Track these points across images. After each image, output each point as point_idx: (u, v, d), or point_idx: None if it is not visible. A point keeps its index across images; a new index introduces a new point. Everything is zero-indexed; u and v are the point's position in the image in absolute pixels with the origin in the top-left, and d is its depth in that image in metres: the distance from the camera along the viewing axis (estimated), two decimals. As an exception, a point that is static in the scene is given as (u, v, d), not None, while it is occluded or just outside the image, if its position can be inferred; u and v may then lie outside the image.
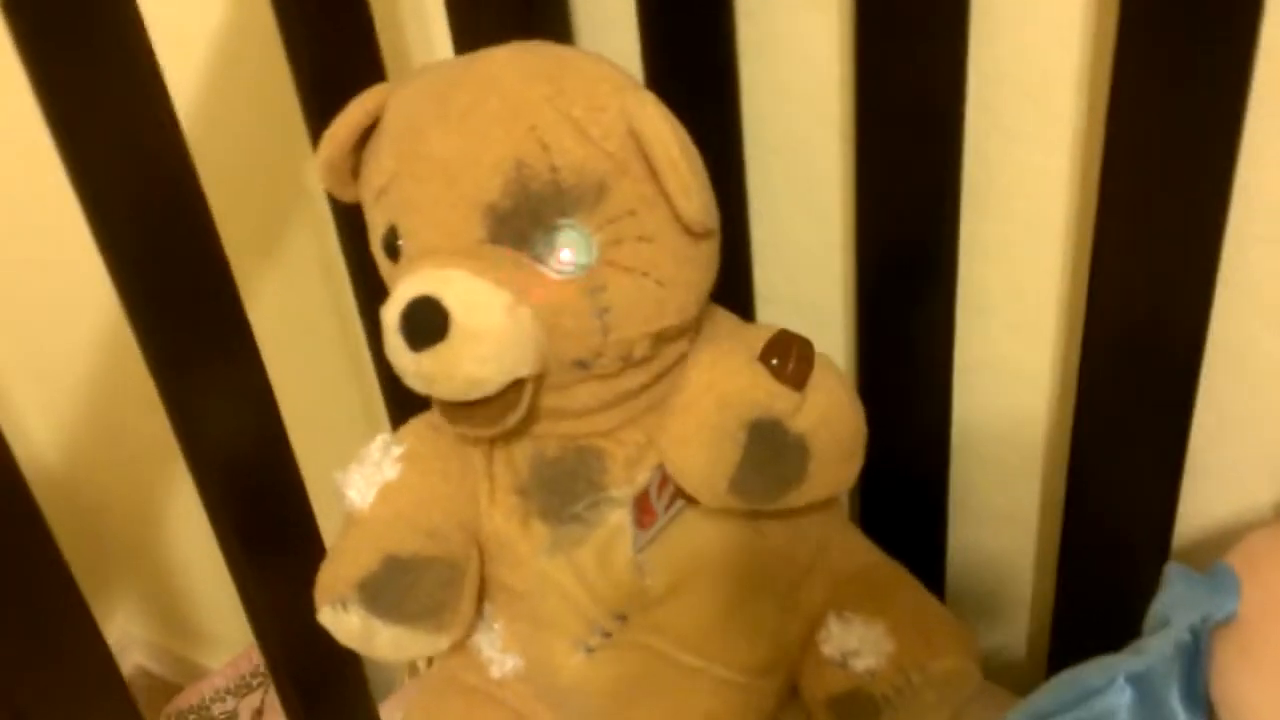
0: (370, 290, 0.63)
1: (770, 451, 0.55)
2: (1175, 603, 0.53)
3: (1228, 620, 0.52)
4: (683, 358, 0.60)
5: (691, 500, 0.60)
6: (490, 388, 0.54)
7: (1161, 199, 0.56)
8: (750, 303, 0.73)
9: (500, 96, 0.53)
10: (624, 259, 0.54)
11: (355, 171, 0.59)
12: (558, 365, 0.56)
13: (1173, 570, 0.55)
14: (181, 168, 0.60)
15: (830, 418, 0.57)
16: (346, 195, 0.60)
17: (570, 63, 0.55)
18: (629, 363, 0.57)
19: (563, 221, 0.53)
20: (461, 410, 0.55)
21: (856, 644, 0.63)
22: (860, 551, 0.68)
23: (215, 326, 0.63)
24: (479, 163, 0.53)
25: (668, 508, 0.61)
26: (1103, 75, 0.56)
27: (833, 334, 0.71)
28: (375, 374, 0.72)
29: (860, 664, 0.63)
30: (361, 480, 0.61)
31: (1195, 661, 0.53)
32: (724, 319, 0.64)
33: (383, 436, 0.63)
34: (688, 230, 0.55)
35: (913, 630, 0.64)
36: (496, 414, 0.55)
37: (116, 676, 0.58)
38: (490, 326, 0.52)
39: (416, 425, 0.64)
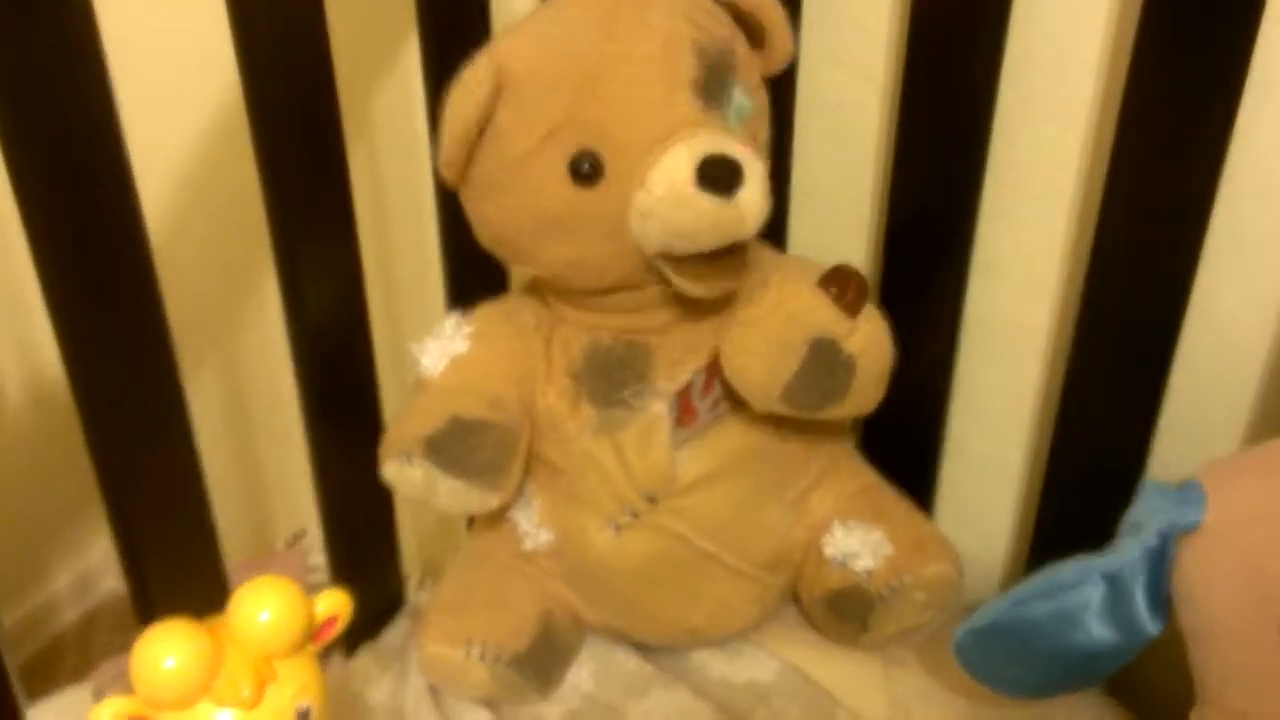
0: (447, 194, 0.69)
1: (824, 367, 0.63)
2: (1148, 511, 0.61)
3: (1193, 529, 0.59)
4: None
5: (736, 405, 0.67)
6: (764, 222, 0.61)
7: (1161, 176, 0.64)
8: (784, 247, 0.80)
9: (653, 3, 0.62)
10: (755, 108, 0.65)
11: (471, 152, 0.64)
12: None
13: (1147, 484, 0.62)
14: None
15: (875, 345, 0.65)
16: (461, 176, 0.65)
17: None
18: None
19: (732, 80, 0.63)
20: (715, 263, 0.62)
21: (857, 547, 0.71)
22: (864, 473, 0.76)
23: (324, 204, 0.69)
24: (675, 49, 0.61)
25: (711, 409, 0.68)
26: (1121, 61, 0.64)
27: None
28: (441, 261, 0.78)
29: (860, 564, 0.70)
30: (436, 350, 0.68)
31: (1161, 564, 0.60)
32: (772, 251, 0.72)
33: (455, 315, 0.70)
34: (773, 69, 0.67)
35: (907, 539, 0.71)
36: (740, 259, 0.63)
37: None
38: (762, 168, 0.60)
39: (486, 309, 0.71)
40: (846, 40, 0.74)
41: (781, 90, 0.73)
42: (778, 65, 0.66)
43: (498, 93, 0.62)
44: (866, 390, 0.66)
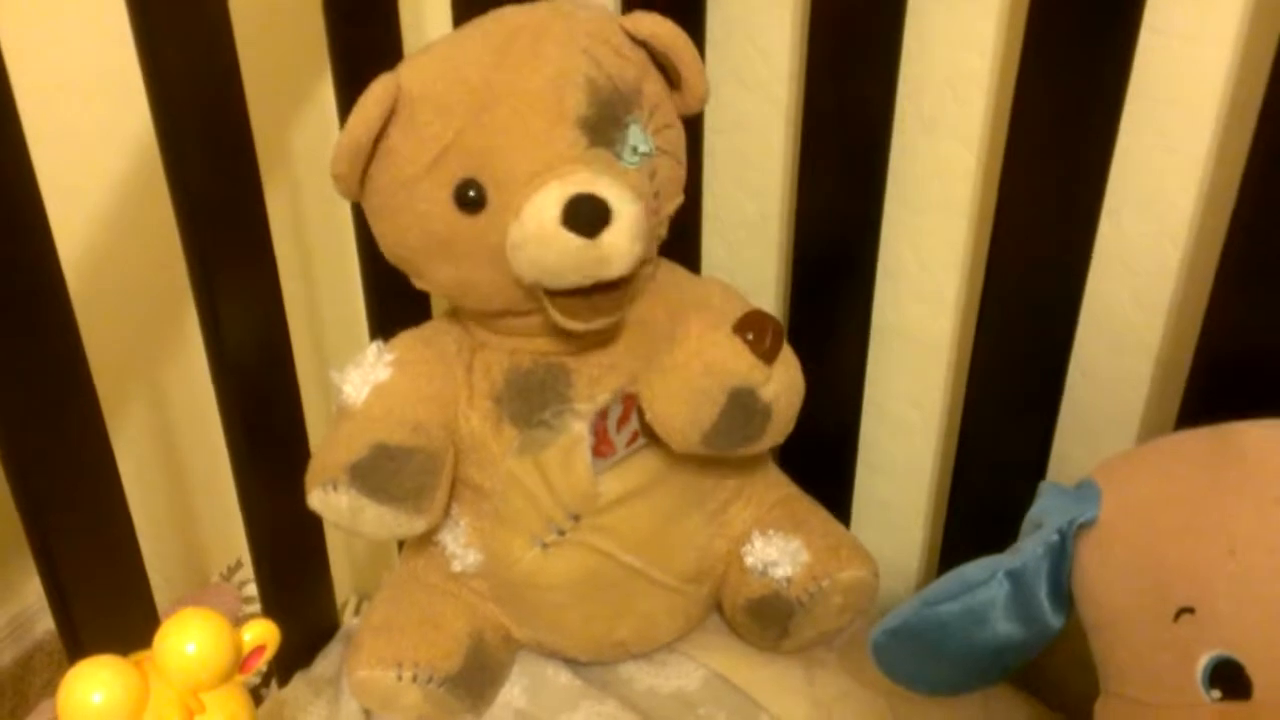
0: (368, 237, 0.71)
1: (743, 414, 0.65)
2: (1046, 510, 0.64)
3: (1090, 524, 0.62)
4: (643, 289, 0.70)
5: (652, 440, 0.69)
6: (636, 263, 0.62)
7: (1049, 185, 0.67)
8: (697, 269, 0.83)
9: (553, 33, 0.63)
10: (663, 144, 0.66)
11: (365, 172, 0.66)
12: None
13: (1045, 485, 0.65)
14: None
15: (789, 390, 0.67)
16: (354, 191, 0.67)
17: (566, 5, 0.66)
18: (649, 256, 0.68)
19: (628, 119, 0.64)
20: (589, 301, 0.63)
21: (776, 555, 0.73)
22: (781, 484, 0.78)
23: (242, 236, 0.70)
24: (564, 83, 0.62)
25: (628, 444, 0.70)
26: (1009, 77, 0.67)
27: (767, 298, 0.81)
28: (362, 293, 0.80)
29: (779, 572, 0.73)
30: (358, 378, 0.69)
31: (1061, 561, 0.63)
32: (684, 274, 0.75)
33: (376, 343, 0.71)
34: (688, 112, 0.68)
35: (824, 546, 0.74)
36: (619, 299, 0.65)
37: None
38: (632, 208, 0.61)
39: (407, 337, 0.72)
40: (749, 62, 0.77)
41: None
42: (693, 107, 0.68)
43: (393, 111, 0.64)
44: (781, 430, 0.68)
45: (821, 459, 0.82)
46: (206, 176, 0.67)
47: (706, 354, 0.64)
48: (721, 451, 0.67)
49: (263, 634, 0.52)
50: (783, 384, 0.66)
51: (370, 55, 0.74)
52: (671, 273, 0.74)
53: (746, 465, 0.76)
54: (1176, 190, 0.67)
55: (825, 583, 0.72)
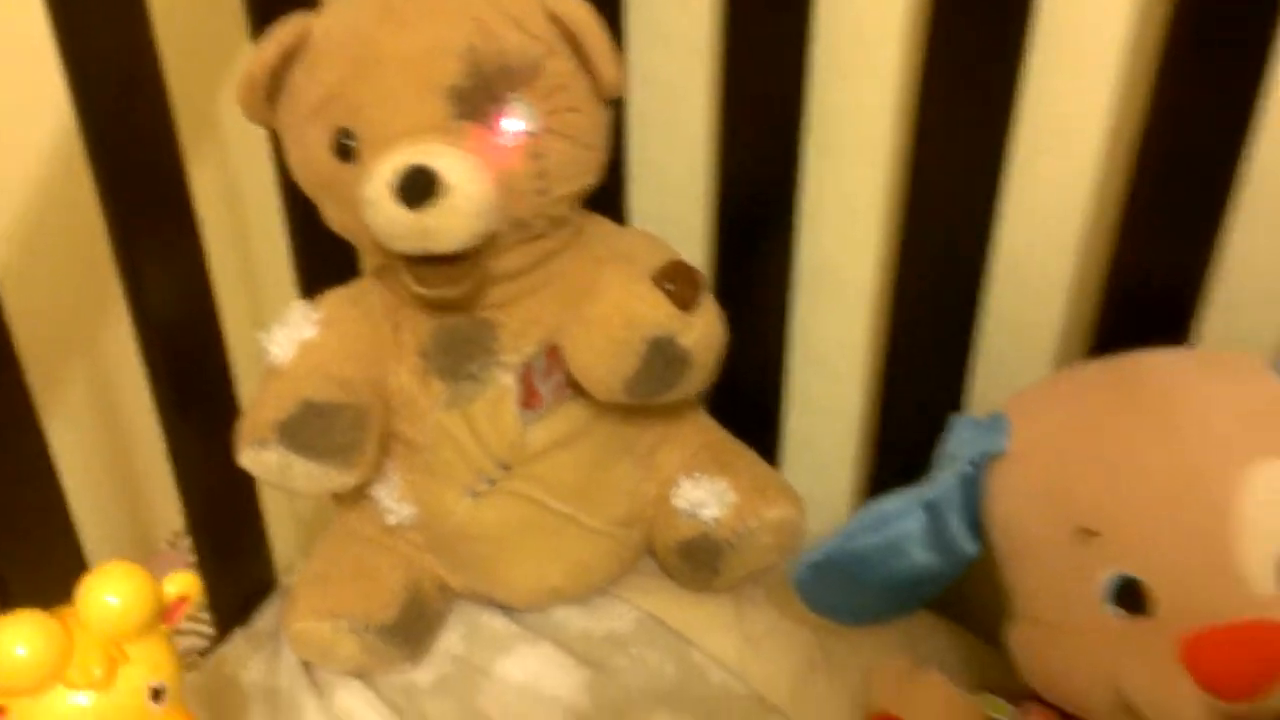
0: (291, 186, 0.71)
1: (663, 362, 0.66)
2: (959, 443, 0.66)
3: (1000, 455, 0.64)
4: (567, 245, 0.71)
5: (578, 391, 0.71)
6: (474, 239, 0.63)
7: (962, 131, 0.69)
8: (624, 221, 0.84)
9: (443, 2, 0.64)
10: (558, 126, 0.65)
11: (272, 97, 0.67)
12: (506, 224, 0.65)
13: (957, 419, 0.67)
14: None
15: (708, 335, 0.68)
16: (261, 118, 0.69)
17: None
18: (553, 224, 0.68)
19: (511, 96, 0.64)
20: (437, 270, 0.64)
21: (704, 497, 0.75)
22: (709, 428, 0.80)
23: (163, 203, 0.71)
24: (439, 51, 0.63)
25: (554, 393, 0.71)
26: (922, 26, 0.68)
27: (695, 248, 0.82)
28: (290, 255, 0.80)
29: (707, 513, 0.74)
30: (284, 338, 0.70)
31: (973, 491, 0.66)
32: (610, 227, 0.76)
33: (302, 302, 0.72)
34: (604, 97, 0.67)
35: (751, 487, 0.76)
36: (468, 270, 0.65)
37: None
38: (473, 185, 0.62)
39: (333, 296, 0.73)
40: (671, 16, 0.78)
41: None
42: (608, 93, 0.67)
43: (297, 50, 0.65)
44: (701, 375, 0.70)
45: (749, 403, 0.83)
46: (125, 145, 0.68)
47: (626, 305, 0.66)
48: (644, 399, 0.68)
49: (184, 585, 0.53)
50: (702, 332, 0.67)
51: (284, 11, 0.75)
52: (598, 226, 0.75)
53: (674, 411, 0.77)
54: (1084, 135, 0.69)
55: (753, 523, 0.74)
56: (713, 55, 0.77)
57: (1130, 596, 0.59)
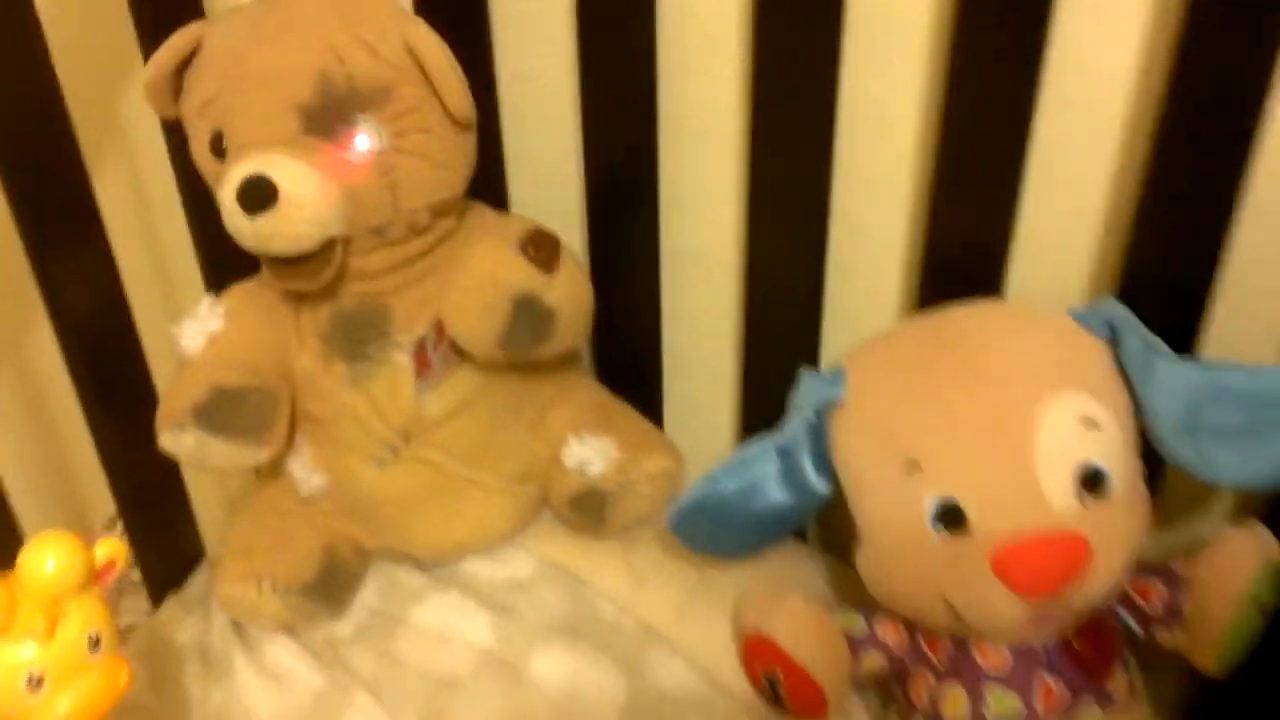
0: (192, 187, 0.78)
1: (529, 318, 0.73)
2: (804, 394, 0.75)
3: (838, 403, 0.73)
4: (450, 234, 0.78)
5: (464, 357, 0.78)
6: (310, 244, 0.70)
7: (795, 115, 0.76)
8: (506, 208, 0.91)
9: (304, 23, 0.70)
10: (408, 146, 0.72)
11: (176, 94, 0.74)
12: (360, 232, 0.73)
13: (803, 373, 0.76)
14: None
15: (571, 293, 0.76)
16: (168, 113, 0.76)
17: (386, 9, 0.73)
18: (414, 230, 0.75)
19: (360, 117, 0.70)
20: (288, 267, 0.72)
21: (590, 454, 0.83)
22: (595, 391, 0.88)
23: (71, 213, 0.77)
24: (291, 73, 0.70)
25: (443, 360, 0.79)
26: (753, 27, 0.76)
27: (572, 230, 0.90)
28: (195, 251, 0.87)
29: (593, 469, 0.83)
30: (194, 330, 0.77)
31: (820, 436, 0.74)
32: (490, 213, 0.83)
33: (209, 297, 0.79)
34: (454, 123, 0.73)
35: (633, 443, 0.84)
36: (316, 269, 0.72)
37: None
38: (307, 196, 0.69)
39: (236, 289, 0.80)
40: (534, 13, 0.85)
41: (481, 65, 0.84)
42: (459, 119, 0.73)
43: (192, 55, 0.73)
44: (570, 329, 0.77)
45: (631, 368, 0.92)
46: (30, 158, 0.75)
47: (492, 270, 0.74)
48: (519, 355, 0.76)
49: (111, 551, 0.60)
50: (565, 289, 0.75)
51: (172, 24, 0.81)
52: (480, 216, 0.82)
53: (561, 377, 0.85)
54: (903, 114, 0.77)
55: (634, 475, 0.83)
56: (573, 52, 0.84)
57: (950, 517, 0.69)
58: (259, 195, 0.68)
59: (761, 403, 0.89)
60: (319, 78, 0.69)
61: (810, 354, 0.84)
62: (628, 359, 0.91)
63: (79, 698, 0.55)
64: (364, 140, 0.71)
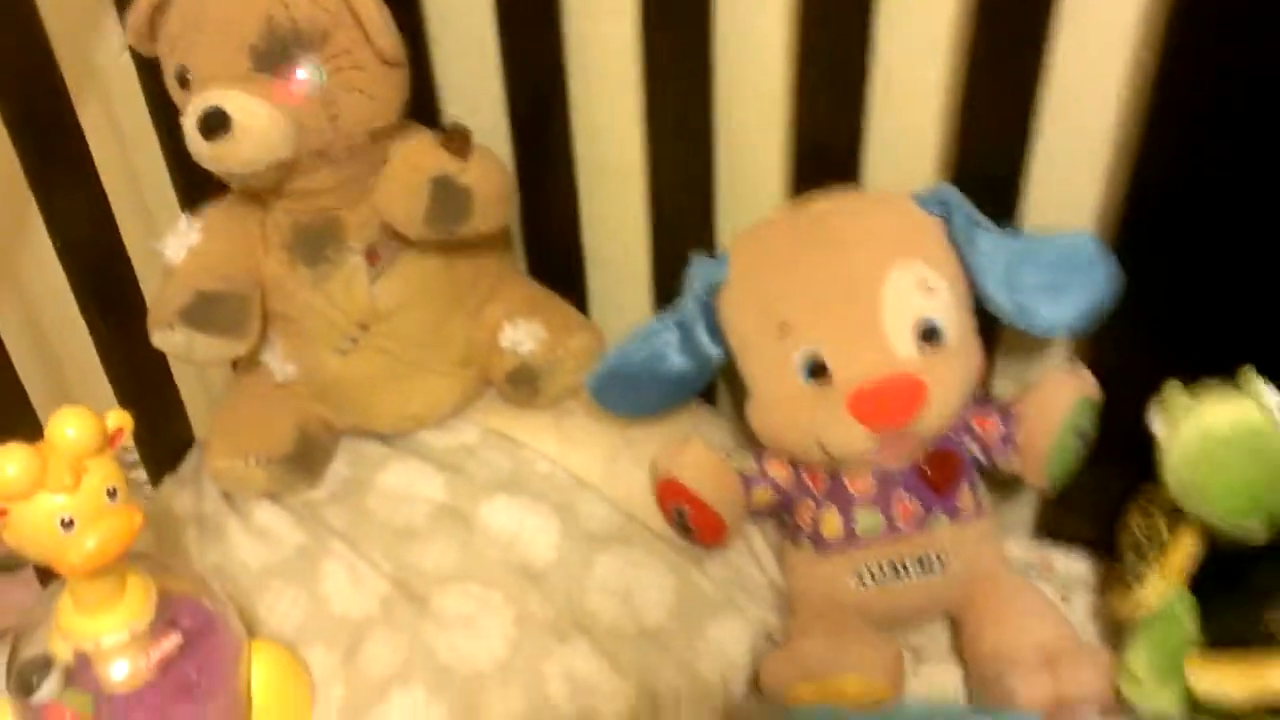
0: (168, 123, 0.90)
1: (448, 196, 0.86)
2: (695, 276, 0.89)
3: (724, 281, 0.87)
4: (390, 153, 0.91)
5: (406, 242, 0.91)
6: (260, 166, 0.83)
7: (678, 41, 0.88)
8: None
9: None
10: (344, 81, 0.84)
11: (153, 34, 0.87)
12: (306, 155, 0.85)
13: (693, 257, 0.90)
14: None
15: (485, 175, 0.88)
16: (147, 50, 0.87)
17: None
18: (353, 153, 0.88)
19: (302, 56, 0.83)
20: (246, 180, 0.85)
21: (522, 336, 0.97)
22: (526, 284, 1.02)
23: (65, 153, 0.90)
24: (242, 18, 0.82)
25: (387, 246, 0.92)
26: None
27: (499, 147, 1.01)
28: (170, 176, 1.00)
29: (525, 348, 0.96)
30: (175, 244, 0.90)
31: (710, 310, 0.88)
32: (425, 131, 0.95)
33: (186, 215, 0.92)
34: (385, 61, 0.85)
35: (558, 324, 0.98)
36: (270, 182, 0.85)
37: None
38: (257, 123, 0.81)
39: (211, 209, 0.93)
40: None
41: (412, 11, 0.95)
42: (387, 55, 0.84)
43: (163, 3, 0.85)
44: (490, 208, 0.89)
45: (558, 264, 1.05)
46: (27, 111, 0.87)
47: (412, 157, 0.87)
48: (444, 232, 0.87)
49: (119, 419, 0.72)
50: (479, 172, 0.87)
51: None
52: (415, 134, 0.94)
53: (495, 272, 0.99)
54: (768, 29, 0.88)
55: (560, 351, 0.97)
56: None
57: (815, 369, 0.83)
58: (216, 124, 0.80)
59: (669, 287, 1.01)
60: (266, 22, 0.82)
61: (708, 242, 0.97)
62: (554, 256, 1.05)
63: (103, 535, 0.69)
64: (306, 76, 0.83)
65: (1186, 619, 0.79)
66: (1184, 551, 0.80)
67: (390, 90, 0.88)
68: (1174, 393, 0.76)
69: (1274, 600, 0.77)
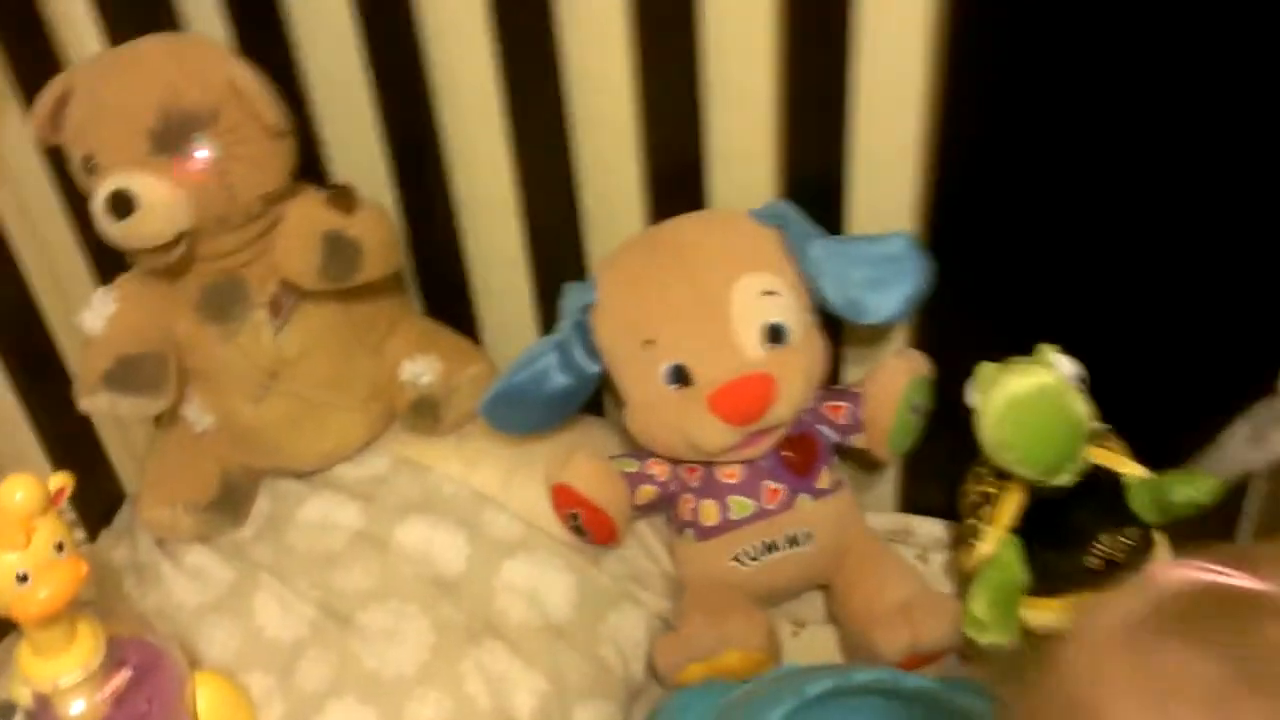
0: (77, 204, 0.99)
1: (338, 249, 0.96)
2: (568, 301, 0.99)
3: (593, 304, 0.97)
4: (284, 213, 1.00)
5: (304, 295, 1.00)
6: (165, 238, 0.92)
7: (533, 82, 0.98)
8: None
9: (147, 65, 0.92)
10: (236, 154, 0.93)
11: (56, 126, 0.94)
12: (208, 222, 0.94)
13: (565, 287, 1.00)
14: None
15: (372, 227, 0.98)
16: (53, 141, 0.96)
17: (190, 43, 0.95)
18: (251, 217, 0.97)
19: (196, 135, 0.92)
20: (149, 254, 0.93)
21: (421, 369, 1.06)
22: (420, 320, 1.12)
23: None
24: (138, 105, 0.91)
25: (288, 299, 1.00)
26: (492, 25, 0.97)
27: (382, 194, 1.10)
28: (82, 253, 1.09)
29: (424, 380, 1.06)
30: (93, 315, 0.98)
31: (585, 331, 0.98)
32: (312, 190, 1.04)
33: (102, 288, 1.00)
34: (271, 133, 0.95)
35: (453, 355, 1.08)
36: (174, 257, 0.94)
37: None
38: (159, 202, 0.90)
39: (123, 280, 1.01)
40: (326, 27, 1.04)
41: (293, 82, 1.04)
42: (272, 127, 0.94)
43: (66, 96, 0.93)
44: (379, 256, 0.98)
45: (450, 300, 1.14)
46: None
47: (305, 216, 0.96)
48: (341, 281, 0.97)
49: (61, 480, 0.81)
50: (366, 225, 0.97)
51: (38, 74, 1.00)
52: (305, 194, 1.03)
53: (391, 312, 1.08)
54: (609, 65, 0.99)
55: (457, 380, 1.06)
56: (365, 60, 1.05)
57: (679, 376, 0.94)
58: (124, 205, 0.89)
59: (552, 313, 1.11)
60: (160, 108, 0.91)
61: (583, 269, 1.07)
62: (446, 293, 1.14)
63: (54, 585, 0.77)
64: (201, 153, 0.92)
65: (1017, 564, 0.90)
66: (1011, 506, 0.91)
67: (278, 158, 0.97)
68: (984, 368, 0.87)
69: (1089, 539, 0.89)
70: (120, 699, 0.84)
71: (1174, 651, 0.46)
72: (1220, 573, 0.47)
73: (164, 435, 1.07)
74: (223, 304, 0.99)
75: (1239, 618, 0.46)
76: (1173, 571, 0.49)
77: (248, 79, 0.93)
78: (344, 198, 0.97)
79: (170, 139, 0.91)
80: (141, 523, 1.03)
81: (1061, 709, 0.48)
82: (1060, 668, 0.49)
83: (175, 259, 0.94)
